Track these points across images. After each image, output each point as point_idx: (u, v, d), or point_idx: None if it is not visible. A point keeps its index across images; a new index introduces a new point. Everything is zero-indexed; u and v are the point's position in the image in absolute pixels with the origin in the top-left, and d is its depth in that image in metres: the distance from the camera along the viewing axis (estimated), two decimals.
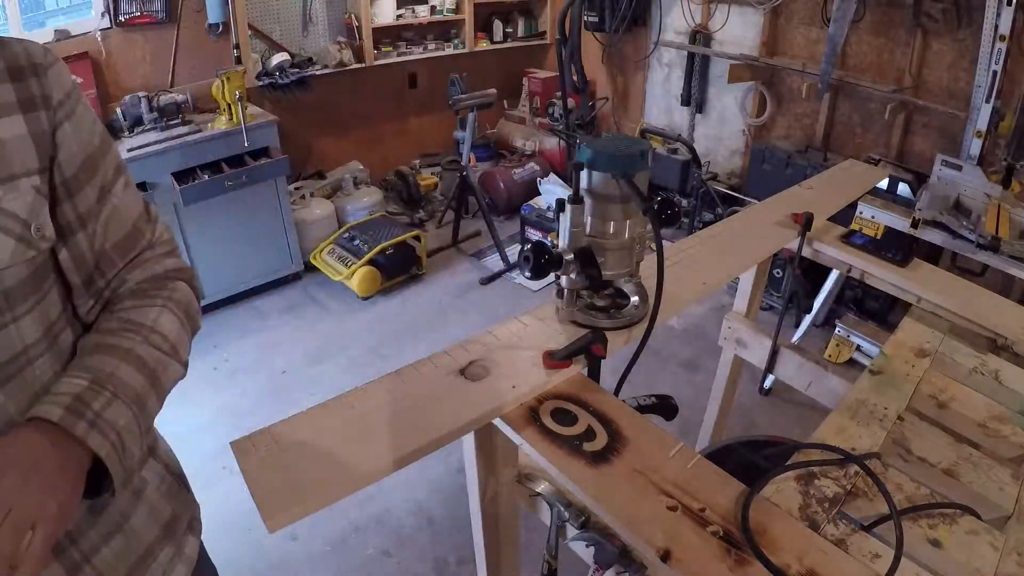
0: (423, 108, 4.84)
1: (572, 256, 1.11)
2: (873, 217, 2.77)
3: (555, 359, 1.08)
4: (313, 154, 4.24)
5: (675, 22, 4.12)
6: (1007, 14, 2.62)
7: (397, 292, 3.73)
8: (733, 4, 3.74)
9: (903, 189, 3.16)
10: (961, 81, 3.03)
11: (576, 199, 1.10)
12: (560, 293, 1.19)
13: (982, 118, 2.89)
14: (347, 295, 3.62)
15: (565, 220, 1.11)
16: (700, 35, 3.99)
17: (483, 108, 3.82)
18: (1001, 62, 2.72)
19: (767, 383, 2.96)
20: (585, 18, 4.18)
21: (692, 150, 3.70)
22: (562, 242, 1.13)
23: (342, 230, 3.75)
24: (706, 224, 3.67)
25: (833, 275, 2.83)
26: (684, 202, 4.02)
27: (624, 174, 1.06)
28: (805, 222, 1.67)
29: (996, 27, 2.68)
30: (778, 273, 3.43)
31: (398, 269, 3.70)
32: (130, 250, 0.79)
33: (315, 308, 3.57)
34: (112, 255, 0.77)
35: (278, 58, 3.54)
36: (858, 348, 2.87)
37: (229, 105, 3.02)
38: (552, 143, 4.97)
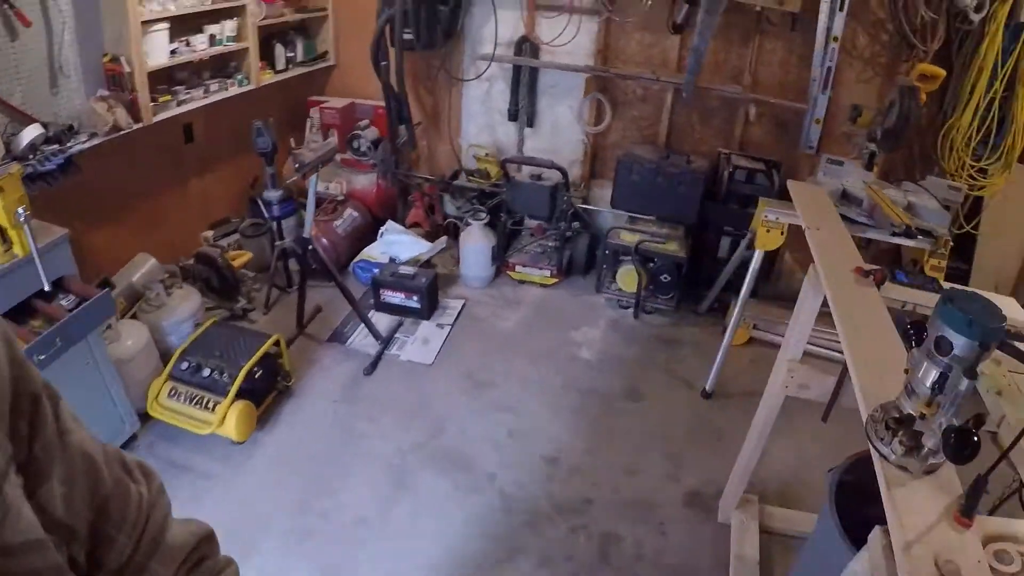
0: (203, 165, 3.81)
1: None
2: (777, 219, 2.90)
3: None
4: (88, 258, 2.94)
5: (501, 32, 3.76)
6: (840, 19, 2.92)
7: (271, 419, 2.87)
8: (565, 12, 3.55)
9: (762, 181, 3.41)
10: (791, 75, 3.34)
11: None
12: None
13: (819, 108, 3.24)
14: (212, 444, 2.67)
15: None
16: (528, 44, 3.76)
17: (324, 164, 3.11)
18: (834, 60, 3.05)
19: None
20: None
21: (564, 173, 3.53)
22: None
23: (175, 358, 2.73)
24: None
25: None
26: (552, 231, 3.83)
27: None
28: (882, 279, 1.63)
29: (829, 29, 2.98)
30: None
31: (265, 390, 2.87)
32: None
33: (184, 477, 2.56)
34: None
35: (29, 133, 2.30)
36: None
37: (3, 230, 1.88)
38: (363, 181, 4.35)
